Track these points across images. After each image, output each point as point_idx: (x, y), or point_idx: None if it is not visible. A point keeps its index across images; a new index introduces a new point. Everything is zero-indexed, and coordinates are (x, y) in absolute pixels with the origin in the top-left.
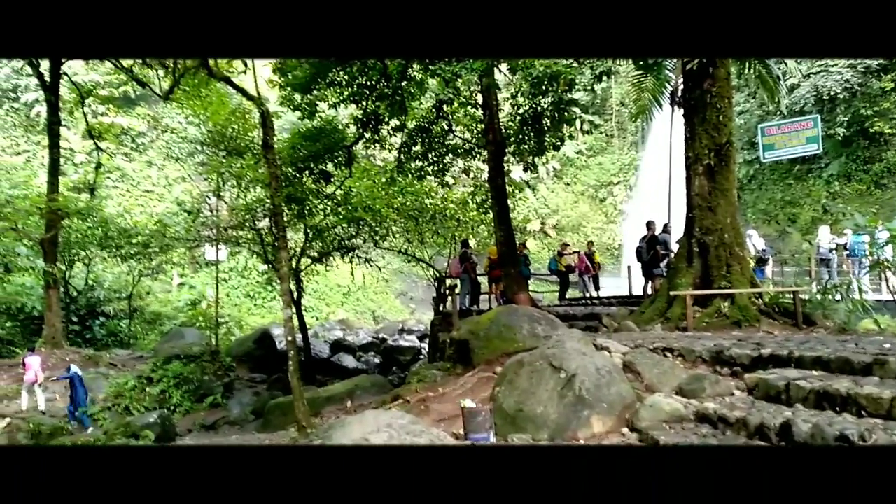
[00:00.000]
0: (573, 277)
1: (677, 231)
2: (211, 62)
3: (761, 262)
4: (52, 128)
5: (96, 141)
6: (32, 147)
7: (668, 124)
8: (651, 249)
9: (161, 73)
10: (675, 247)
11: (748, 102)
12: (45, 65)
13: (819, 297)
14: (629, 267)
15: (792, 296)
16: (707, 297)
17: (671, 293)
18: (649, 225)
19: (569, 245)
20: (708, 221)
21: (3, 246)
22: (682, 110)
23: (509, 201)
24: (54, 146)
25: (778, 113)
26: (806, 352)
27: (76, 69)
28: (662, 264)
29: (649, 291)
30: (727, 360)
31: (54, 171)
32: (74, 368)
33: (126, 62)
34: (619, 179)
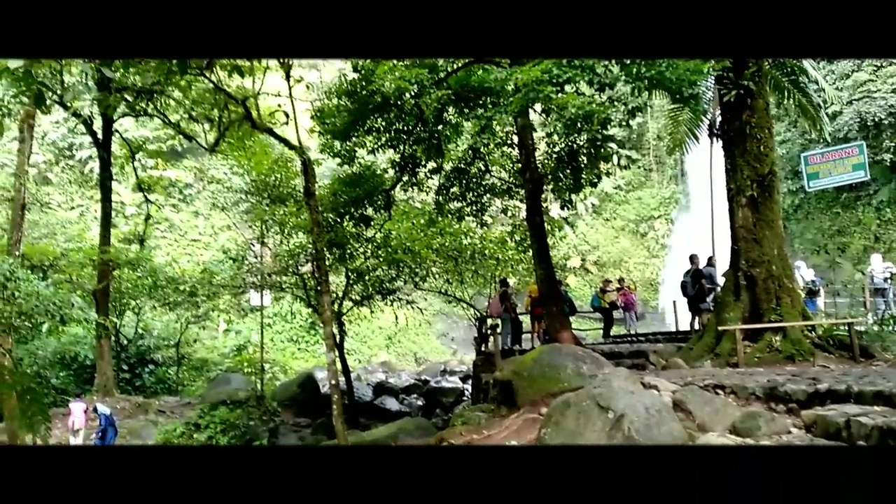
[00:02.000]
0: (617, 314)
1: (722, 264)
2: (254, 115)
3: (812, 293)
4: (105, 182)
5: (146, 194)
6: (86, 201)
7: (708, 156)
8: (696, 283)
9: (207, 126)
10: (720, 280)
11: (789, 132)
12: (98, 123)
13: (876, 328)
14: (675, 302)
15: (847, 328)
16: (757, 331)
17: (720, 328)
18: (693, 258)
19: (611, 281)
20: (754, 253)
21: (58, 298)
22: (721, 142)
23: (548, 239)
24: (106, 200)
25: (821, 141)
26: (866, 386)
27: (127, 126)
28: (709, 298)
29: (696, 327)
30: (782, 397)
31: (106, 223)
32: (102, 409)
33: (174, 117)
34: (659, 213)
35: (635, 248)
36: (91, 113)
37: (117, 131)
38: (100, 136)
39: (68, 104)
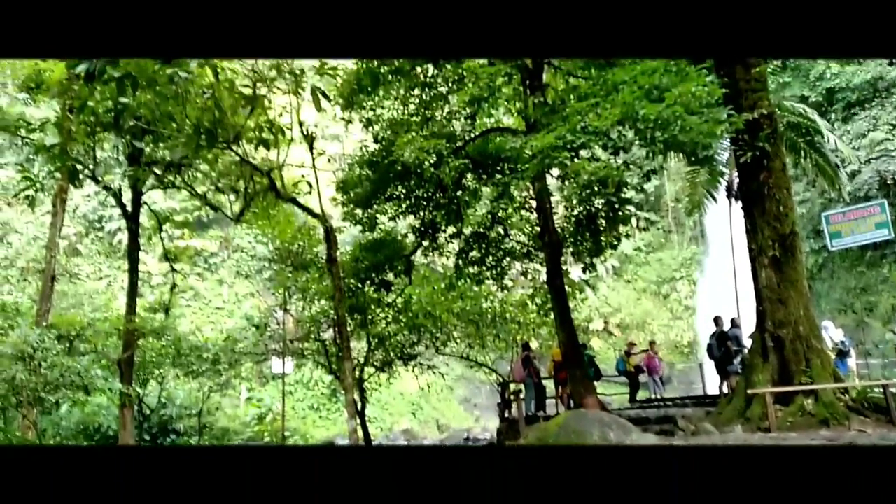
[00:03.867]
0: (643, 378)
1: (747, 325)
2: (278, 185)
3: (842, 354)
4: (132, 253)
5: (172, 264)
6: (113, 272)
7: (727, 217)
8: (722, 346)
9: (232, 197)
10: (747, 342)
11: (808, 191)
12: (127, 195)
13: None
14: (701, 364)
15: (882, 390)
16: (788, 394)
17: (749, 391)
18: (717, 321)
19: (635, 344)
20: (780, 314)
21: (83, 368)
22: (740, 203)
23: (570, 301)
24: (133, 270)
25: (840, 200)
26: None
27: (155, 198)
28: (736, 361)
29: (725, 390)
30: None
31: (133, 293)
32: None
33: (201, 189)
34: (681, 275)
35: (658, 310)
36: (121, 186)
37: (146, 203)
38: (129, 208)
39: (100, 178)
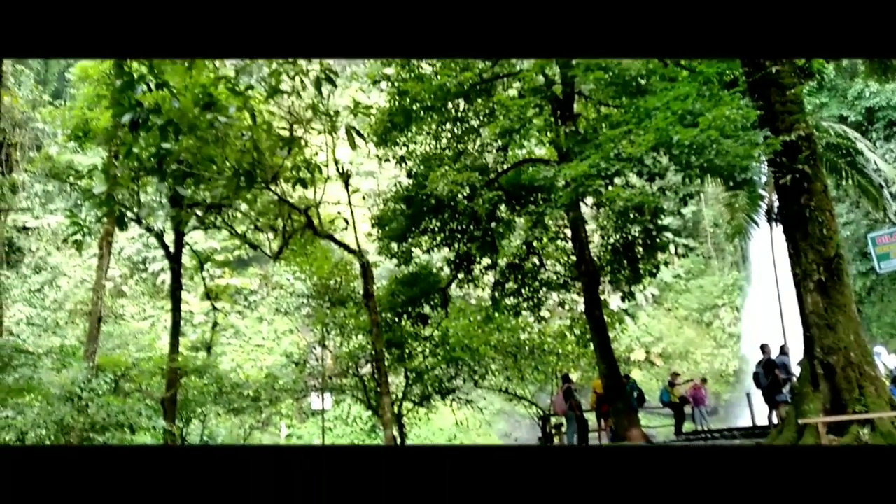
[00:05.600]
0: (688, 409)
1: (794, 351)
2: (315, 222)
3: None
4: (175, 293)
5: (213, 302)
6: (157, 312)
7: (769, 241)
8: (769, 374)
9: (271, 235)
10: (795, 369)
11: (852, 213)
12: (169, 237)
13: None
14: (748, 394)
15: None
16: (842, 423)
17: (800, 421)
18: (763, 348)
19: (679, 374)
20: (829, 340)
21: (128, 406)
22: (781, 226)
23: (609, 331)
24: (176, 310)
25: (886, 221)
26: None
27: (196, 238)
28: (785, 389)
29: (774, 420)
30: None
31: (175, 332)
32: None
33: (240, 228)
34: (723, 301)
35: (701, 339)
36: (163, 228)
37: (188, 244)
38: (171, 249)
39: (143, 221)
